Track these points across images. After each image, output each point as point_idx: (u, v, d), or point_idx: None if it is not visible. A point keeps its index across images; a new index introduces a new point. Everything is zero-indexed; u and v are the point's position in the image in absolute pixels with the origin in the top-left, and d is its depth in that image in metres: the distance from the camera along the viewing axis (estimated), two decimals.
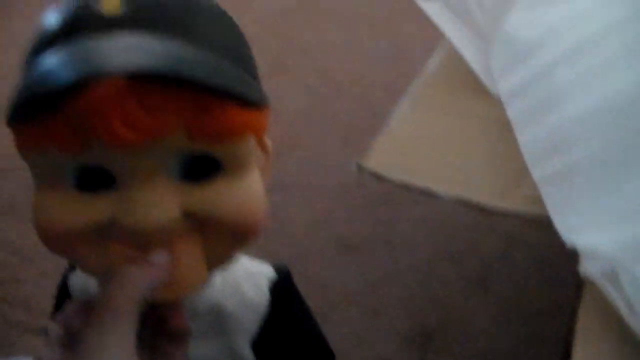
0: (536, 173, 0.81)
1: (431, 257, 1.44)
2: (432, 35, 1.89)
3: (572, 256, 1.37)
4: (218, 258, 0.54)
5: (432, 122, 1.02)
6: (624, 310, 0.61)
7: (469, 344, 1.26)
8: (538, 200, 0.82)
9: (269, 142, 0.56)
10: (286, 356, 0.66)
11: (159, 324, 0.50)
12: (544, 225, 1.49)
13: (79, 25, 0.44)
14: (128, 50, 0.42)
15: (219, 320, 0.62)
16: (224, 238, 0.51)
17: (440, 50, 1.22)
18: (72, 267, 0.66)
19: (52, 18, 0.47)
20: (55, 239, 0.49)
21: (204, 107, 0.44)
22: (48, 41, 0.45)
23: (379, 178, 0.86)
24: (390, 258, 1.43)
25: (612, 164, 0.74)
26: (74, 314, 0.51)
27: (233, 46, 0.49)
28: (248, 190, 0.50)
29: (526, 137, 0.88)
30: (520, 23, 1.12)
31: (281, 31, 2.46)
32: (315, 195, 1.63)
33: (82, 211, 0.47)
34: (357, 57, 2.35)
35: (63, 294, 0.66)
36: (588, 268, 0.63)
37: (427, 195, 1.45)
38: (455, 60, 1.15)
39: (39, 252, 1.61)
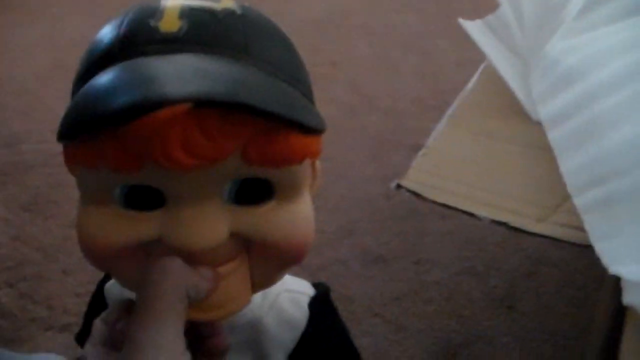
0: (578, 200, 0.81)
1: (457, 273, 1.45)
2: (465, 53, 1.90)
3: (596, 279, 1.37)
4: (263, 279, 0.55)
5: (471, 143, 1.03)
6: None
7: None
8: (574, 227, 0.82)
9: (318, 164, 0.56)
10: None
11: (198, 342, 0.50)
12: (570, 247, 1.49)
13: (137, 43, 0.44)
14: (189, 75, 0.41)
15: (256, 335, 0.62)
16: (270, 261, 0.52)
17: (479, 72, 1.23)
18: (106, 275, 0.67)
19: (108, 33, 0.46)
20: (99, 255, 0.49)
21: (264, 133, 0.44)
22: (105, 57, 0.45)
23: (418, 197, 0.87)
24: (416, 272, 1.44)
25: None
26: (118, 314, 0.51)
27: (292, 69, 0.49)
28: (299, 215, 0.50)
29: (568, 164, 0.89)
30: (563, 49, 1.13)
31: (311, 43, 2.47)
32: (342, 207, 1.64)
33: (128, 229, 0.47)
34: (387, 71, 2.36)
35: (98, 302, 0.66)
36: (633, 297, 0.63)
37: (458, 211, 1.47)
38: (495, 82, 1.16)
39: (62, 249, 1.65)
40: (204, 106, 0.40)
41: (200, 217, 0.46)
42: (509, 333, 1.32)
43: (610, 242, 0.72)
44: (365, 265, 1.46)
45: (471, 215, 0.84)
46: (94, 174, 0.46)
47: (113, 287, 0.65)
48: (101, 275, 0.68)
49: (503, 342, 1.30)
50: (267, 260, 0.52)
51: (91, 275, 1.42)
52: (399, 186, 0.90)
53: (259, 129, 0.43)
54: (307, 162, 0.49)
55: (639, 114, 0.90)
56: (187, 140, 0.42)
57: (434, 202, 0.87)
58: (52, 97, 2.17)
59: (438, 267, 1.46)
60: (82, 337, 0.71)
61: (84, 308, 1.44)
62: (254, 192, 0.48)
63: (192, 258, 0.49)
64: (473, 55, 1.40)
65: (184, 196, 0.46)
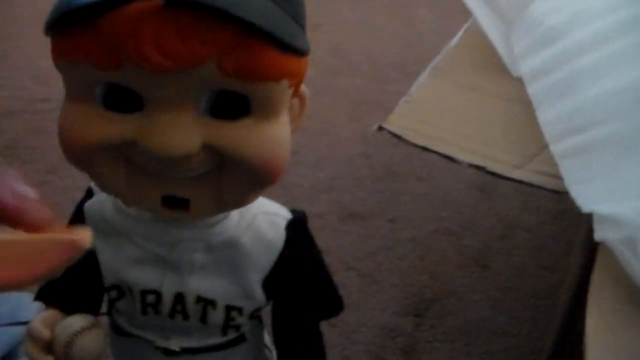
0: (555, 148, 0.83)
1: (431, 232, 1.47)
2: (445, 22, 1.92)
3: (566, 246, 1.40)
4: (236, 198, 0.56)
5: (453, 94, 1.04)
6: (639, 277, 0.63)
7: (464, 317, 1.29)
8: (549, 174, 0.85)
9: (305, 90, 0.56)
10: (296, 296, 0.68)
11: None
12: (542, 212, 1.52)
13: None
14: None
15: (233, 255, 0.63)
16: (243, 178, 0.53)
17: (463, 30, 1.24)
18: (89, 195, 0.67)
19: None
20: (76, 151, 0.51)
21: (240, 44, 0.44)
22: None
23: (399, 140, 0.88)
24: (391, 230, 1.45)
25: (631, 140, 0.76)
26: None
27: None
28: (274, 135, 0.51)
29: (547, 115, 0.90)
30: (545, 10, 1.15)
31: None
32: (322, 164, 1.65)
33: (106, 127, 0.49)
34: (370, 36, 2.37)
35: (78, 218, 0.67)
36: (605, 235, 0.65)
37: (435, 168, 1.48)
38: (477, 40, 1.17)
39: (41, 193, 1.62)
40: (176, 6, 0.41)
41: (174, 124, 0.47)
42: (481, 291, 1.35)
43: (584, 185, 0.73)
44: (342, 220, 1.47)
45: (450, 159, 0.85)
46: (76, 70, 0.47)
47: (92, 206, 0.66)
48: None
49: (474, 299, 1.33)
50: (240, 177, 0.52)
51: (68, 220, 1.42)
52: (380, 128, 0.91)
53: (235, 39, 0.44)
54: (285, 83, 0.50)
55: (617, 70, 0.92)
56: (161, 40, 0.42)
57: (414, 145, 0.88)
58: (31, 46, 2.15)
59: (413, 225, 1.48)
60: None
61: None
62: (230, 107, 0.49)
63: (164, 166, 0.50)
64: (454, 25, 1.42)
65: (160, 101, 0.47)
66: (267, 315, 0.72)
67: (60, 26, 0.45)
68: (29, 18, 2.31)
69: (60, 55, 0.48)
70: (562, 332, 1.00)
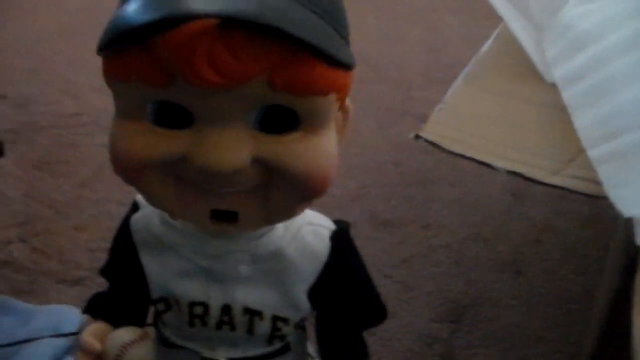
0: (592, 153, 0.83)
1: (464, 238, 1.47)
2: (471, 29, 1.92)
3: (601, 248, 1.39)
4: (284, 211, 0.57)
5: (487, 101, 1.05)
6: None
7: (499, 323, 1.29)
8: (587, 179, 0.85)
9: (349, 104, 0.57)
10: (341, 305, 0.69)
11: None
12: (573, 217, 1.51)
13: None
14: None
15: (278, 266, 0.64)
16: (291, 192, 0.54)
17: (494, 36, 1.25)
18: (134, 209, 0.68)
19: None
20: (128, 168, 0.52)
21: (290, 59, 0.45)
22: None
23: (433, 147, 0.89)
24: (425, 236, 1.46)
25: None
26: None
27: (329, 5, 0.50)
28: (322, 148, 0.52)
29: (582, 120, 0.91)
30: (577, 14, 1.15)
31: None
32: (352, 173, 1.65)
33: (157, 144, 0.50)
34: (395, 43, 2.37)
35: (124, 236, 0.68)
36: None
37: (466, 175, 1.48)
38: (509, 46, 1.17)
39: (74, 206, 1.67)
40: (230, 24, 0.42)
41: (224, 139, 0.48)
42: (515, 296, 1.34)
43: (623, 189, 0.74)
44: (375, 228, 1.47)
45: (487, 165, 0.86)
46: (127, 88, 0.49)
47: (139, 220, 0.67)
48: (114, 230, 0.70)
49: (509, 304, 1.33)
50: (289, 191, 0.53)
51: (104, 232, 1.44)
52: (417, 136, 0.92)
53: (285, 55, 0.45)
54: (333, 97, 0.50)
55: None
56: (214, 57, 0.43)
57: (451, 153, 0.88)
58: (59, 61, 2.17)
59: (446, 232, 1.48)
60: (107, 271, 0.73)
61: (96, 263, 1.45)
62: (279, 121, 0.50)
63: (214, 181, 0.51)
64: (479, 31, 1.42)
65: (210, 117, 0.48)
66: (310, 324, 0.73)
67: (114, 46, 0.47)
68: (55, 33, 2.34)
69: (113, 74, 0.49)
70: (601, 338, 1.00)
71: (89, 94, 1.93)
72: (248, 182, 0.52)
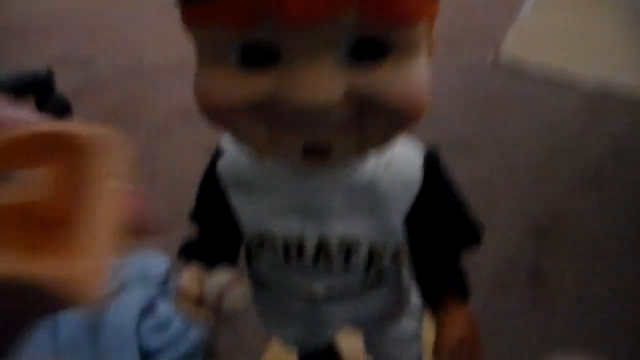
0: None
1: (542, 155, 1.43)
2: None
3: None
4: (377, 142, 0.55)
5: (563, 10, 1.00)
6: None
7: (584, 238, 1.26)
8: None
9: (435, 31, 0.55)
10: (438, 230, 0.67)
11: None
12: None
13: None
14: None
15: (373, 196, 0.62)
16: (385, 121, 0.52)
17: None
18: (218, 154, 0.67)
19: None
20: (218, 113, 0.51)
21: None
22: None
23: (512, 69, 0.85)
24: (502, 156, 1.43)
25: None
26: None
27: None
28: (414, 76, 0.50)
29: None
30: None
31: None
32: None
33: (244, 87, 0.48)
34: None
35: (211, 179, 0.68)
36: None
37: (540, 93, 1.43)
38: None
39: (147, 156, 1.68)
40: None
41: (315, 74, 0.46)
42: (599, 211, 1.31)
43: None
44: (452, 152, 1.43)
45: (564, 85, 0.82)
46: (210, 33, 0.47)
47: (226, 164, 0.66)
48: (187, 180, 0.69)
49: (593, 218, 1.30)
50: (383, 120, 0.51)
51: (179, 181, 1.45)
52: (495, 58, 0.89)
53: None
54: (422, 25, 0.48)
55: None
56: None
57: (526, 73, 0.85)
58: (116, 21, 2.18)
59: (524, 151, 1.44)
60: (196, 216, 0.73)
61: (173, 210, 1.47)
62: (370, 51, 0.47)
63: (306, 118, 0.50)
64: None
65: (299, 53, 0.46)
66: (405, 254, 0.72)
67: None
68: None
69: (193, 21, 0.47)
70: None
71: (146, 49, 1.94)
72: (341, 116, 0.51)
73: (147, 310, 1.17)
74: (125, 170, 0.26)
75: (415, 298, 0.84)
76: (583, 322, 1.14)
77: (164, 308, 1.17)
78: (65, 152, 0.26)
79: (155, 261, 1.24)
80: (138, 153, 1.61)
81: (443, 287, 0.68)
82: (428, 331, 0.67)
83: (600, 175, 1.38)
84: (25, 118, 0.28)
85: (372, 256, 0.66)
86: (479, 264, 1.22)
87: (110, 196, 0.25)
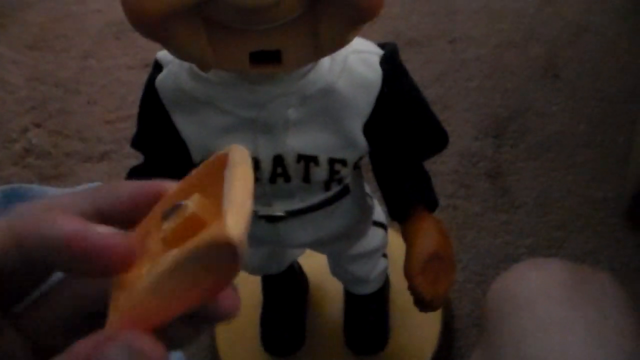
0: None
1: (495, 47, 1.38)
2: None
3: None
4: (332, 41, 0.50)
5: None
6: None
7: (543, 132, 1.23)
8: None
9: None
10: (401, 134, 0.63)
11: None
12: (610, 11, 1.42)
13: None
14: None
15: (329, 103, 0.57)
16: (340, 17, 0.47)
17: None
18: (157, 69, 0.61)
19: None
20: (148, 21, 0.45)
21: None
22: None
23: None
24: (453, 51, 1.37)
25: None
26: None
27: None
28: None
29: None
30: None
31: None
32: None
33: None
34: None
35: (151, 97, 0.61)
36: None
37: None
38: None
39: (82, 80, 1.59)
40: None
41: None
42: (557, 102, 1.28)
43: None
44: (401, 48, 1.38)
45: None
46: None
47: (165, 80, 0.60)
48: (132, 93, 0.63)
49: (552, 110, 1.27)
50: (337, 16, 0.47)
51: (118, 101, 1.37)
52: None
53: None
54: None
55: None
56: None
57: None
58: None
59: (475, 44, 1.39)
60: (139, 142, 0.67)
61: (117, 135, 1.40)
62: None
63: (251, 17, 0.44)
64: None
65: None
66: (366, 162, 0.68)
67: None
68: None
69: None
70: None
71: None
72: (288, 13, 0.45)
73: None
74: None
75: (378, 214, 0.81)
76: (545, 216, 1.12)
77: None
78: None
79: None
80: (72, 79, 1.52)
81: (410, 198, 0.64)
82: (395, 250, 0.63)
83: (556, 64, 1.34)
84: None
85: (333, 170, 0.61)
86: (437, 166, 1.18)
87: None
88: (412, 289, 0.62)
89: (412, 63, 1.33)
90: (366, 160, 0.66)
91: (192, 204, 0.25)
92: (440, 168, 1.18)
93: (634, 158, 1.07)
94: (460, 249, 1.09)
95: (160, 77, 0.60)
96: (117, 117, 1.35)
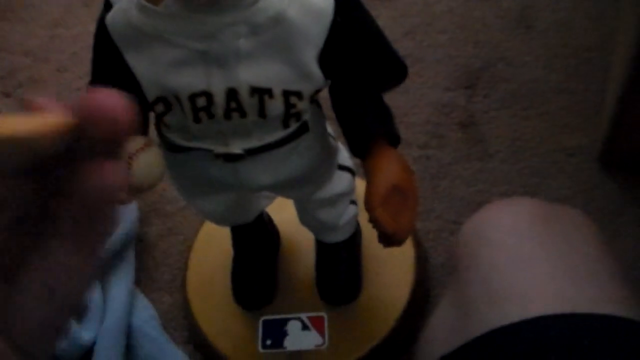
0: None
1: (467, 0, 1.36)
2: None
3: None
4: None
5: None
6: None
7: (516, 82, 1.22)
8: None
9: None
10: (357, 65, 0.62)
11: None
12: None
13: None
14: None
15: (281, 32, 0.56)
16: None
17: None
18: (107, 8, 0.59)
19: None
20: None
21: None
22: None
23: None
24: (425, 4, 1.35)
25: None
26: None
27: None
28: None
29: None
30: None
31: None
32: None
33: None
34: None
35: (102, 35, 0.60)
36: None
37: None
38: None
39: (51, 49, 1.56)
40: None
41: None
42: (530, 52, 1.27)
43: None
44: (370, 4, 1.37)
45: None
46: None
47: (115, 17, 0.59)
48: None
49: (525, 60, 1.26)
50: None
51: (88, 67, 1.35)
52: None
53: None
54: None
55: None
56: None
57: None
58: None
59: None
60: (93, 83, 0.66)
61: None
62: None
63: None
64: None
65: None
66: (325, 102, 0.67)
67: None
68: None
69: None
70: (627, 83, 0.94)
71: None
72: None
73: None
74: None
75: (344, 158, 0.80)
76: (519, 164, 1.12)
77: None
78: None
79: None
80: (41, 48, 1.50)
81: (370, 131, 0.63)
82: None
83: (527, 15, 1.33)
84: None
85: (288, 104, 0.60)
86: (409, 117, 1.17)
87: None
88: (373, 221, 0.61)
89: (383, 18, 1.32)
90: (328, 102, 0.65)
91: None
92: (413, 119, 1.17)
93: (607, 105, 1.06)
94: (434, 197, 1.08)
95: (110, 15, 0.59)
96: (86, 84, 1.33)
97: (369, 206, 0.61)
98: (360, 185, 0.83)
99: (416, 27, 1.31)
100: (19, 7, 1.59)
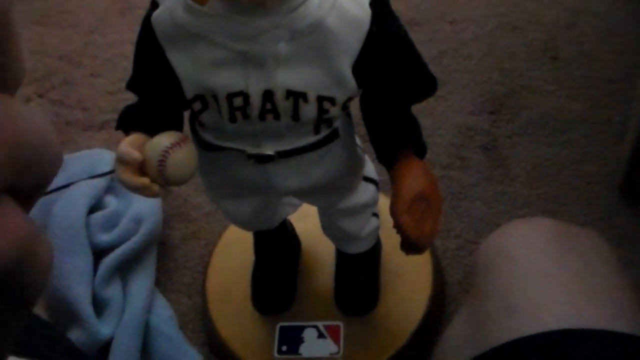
0: None
1: (494, 28, 1.39)
2: None
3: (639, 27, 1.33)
4: None
5: None
6: None
7: (539, 109, 1.24)
8: None
9: None
10: (389, 76, 0.64)
11: None
12: None
13: None
14: None
15: (319, 39, 0.59)
16: None
17: None
18: (154, 6, 0.62)
19: None
20: None
21: None
22: None
23: None
24: (453, 31, 1.38)
25: None
26: None
27: None
28: None
29: None
30: None
31: None
32: None
33: None
34: None
35: (147, 37, 0.63)
36: None
37: None
38: None
39: (86, 54, 1.60)
40: None
41: None
42: (554, 81, 1.29)
43: None
44: None
45: None
46: None
47: (161, 16, 0.61)
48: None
49: (549, 89, 1.28)
50: None
51: (121, 73, 1.39)
52: None
53: None
54: None
55: None
56: None
57: None
58: None
59: (474, 24, 1.40)
60: (135, 82, 0.68)
61: (118, 105, 1.41)
62: None
63: None
64: None
65: None
66: (355, 115, 0.69)
67: None
68: None
69: None
70: None
71: None
72: None
73: (96, 207, 1.13)
74: None
75: (370, 170, 0.82)
76: (539, 189, 1.13)
77: (113, 203, 1.13)
78: None
79: (101, 157, 1.19)
80: (76, 52, 1.54)
81: (398, 140, 0.65)
82: (387, 213, 0.64)
83: (552, 46, 1.35)
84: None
85: (321, 109, 0.62)
86: (434, 139, 1.19)
87: None
88: (397, 227, 0.63)
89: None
90: (358, 114, 0.67)
91: None
92: (437, 140, 1.19)
93: (629, 135, 1.08)
94: (454, 217, 1.10)
95: (156, 13, 0.62)
96: (119, 89, 1.36)
97: (394, 212, 0.62)
98: (384, 200, 0.85)
99: (443, 53, 1.34)
100: (57, 13, 1.63)
